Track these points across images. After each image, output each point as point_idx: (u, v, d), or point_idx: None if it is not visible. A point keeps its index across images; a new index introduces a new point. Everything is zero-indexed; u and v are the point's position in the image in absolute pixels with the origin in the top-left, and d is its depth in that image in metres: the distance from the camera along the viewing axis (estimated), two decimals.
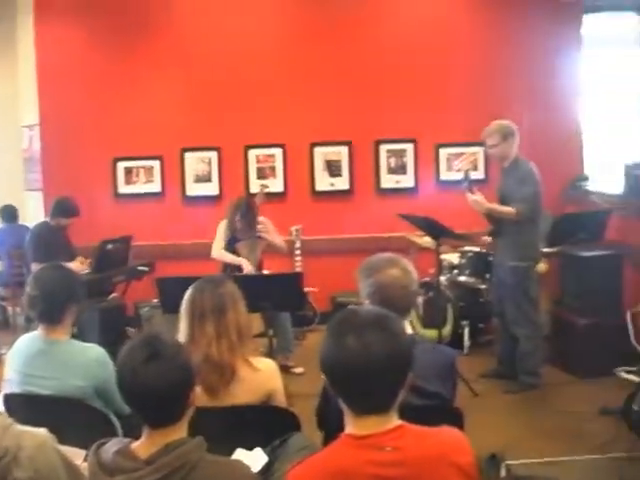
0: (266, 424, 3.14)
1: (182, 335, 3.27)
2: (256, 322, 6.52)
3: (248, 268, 6.85)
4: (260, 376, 3.27)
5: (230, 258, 6.99)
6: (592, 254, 6.83)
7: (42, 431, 2.42)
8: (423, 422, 2.28)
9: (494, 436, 5.00)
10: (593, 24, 9.02)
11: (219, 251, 7.04)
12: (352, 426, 2.16)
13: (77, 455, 2.61)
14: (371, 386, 2.11)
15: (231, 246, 7.05)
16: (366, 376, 2.09)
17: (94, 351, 3.54)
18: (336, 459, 2.14)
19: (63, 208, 7.33)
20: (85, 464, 2.40)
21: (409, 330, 3.11)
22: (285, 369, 6.61)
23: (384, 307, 2.73)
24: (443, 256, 7.71)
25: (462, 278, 7.59)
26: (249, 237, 7.00)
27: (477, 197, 6.28)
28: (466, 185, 6.31)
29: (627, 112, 9.40)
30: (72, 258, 7.21)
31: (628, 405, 5.42)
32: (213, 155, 8.52)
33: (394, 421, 2.17)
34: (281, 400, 3.37)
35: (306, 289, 7.43)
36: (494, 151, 6.41)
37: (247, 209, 7.01)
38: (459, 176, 8.25)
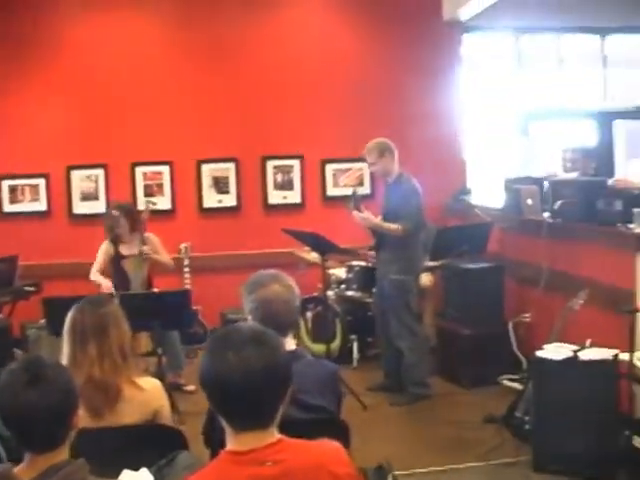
0: (153, 443, 3.11)
1: (64, 357, 3.23)
2: (144, 341, 6.48)
3: (107, 288, 6.78)
4: (145, 395, 3.25)
5: (95, 279, 6.94)
6: (474, 266, 6.99)
7: None
8: (307, 436, 2.30)
9: (383, 448, 5.06)
10: (472, 43, 9.28)
11: (94, 273, 6.99)
12: (232, 442, 2.16)
13: None
14: (250, 402, 2.11)
15: (117, 263, 6.98)
16: (245, 392, 2.09)
17: None
18: (217, 476, 2.14)
19: None
20: None
21: (293, 345, 3.14)
22: (176, 387, 6.56)
23: (267, 323, 2.76)
24: (331, 271, 7.80)
25: (349, 292, 7.66)
26: (134, 253, 6.94)
27: (364, 214, 6.36)
28: (352, 203, 6.38)
29: (506, 128, 9.70)
30: None
31: (511, 412, 5.59)
32: (100, 173, 8.39)
33: (274, 435, 2.18)
34: (167, 419, 3.35)
35: (195, 306, 7.40)
36: (374, 168, 6.56)
37: (130, 213, 6.99)
38: (345, 192, 8.38)
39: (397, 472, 3.48)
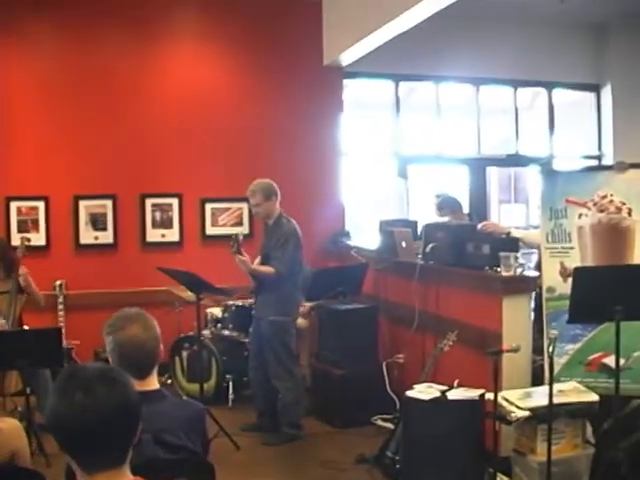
0: None
1: None
2: (14, 380, 6.32)
3: None
4: (4, 435, 3.18)
5: None
6: (349, 307, 7.07)
7: None
8: (172, 477, 2.29)
9: None
10: (353, 89, 9.47)
11: None
12: None
13: None
14: (102, 441, 2.08)
15: None
16: (96, 431, 2.06)
17: None
18: None
19: None
20: None
21: (156, 385, 3.11)
22: (45, 428, 6.38)
23: (124, 366, 2.74)
24: (208, 310, 7.77)
25: (226, 332, 7.63)
26: (7, 290, 6.77)
27: (243, 258, 6.38)
28: (235, 248, 6.38)
29: (385, 172, 9.91)
30: None
31: (382, 452, 5.66)
32: None
33: (127, 476, 2.15)
34: (25, 459, 3.28)
35: (68, 344, 7.26)
36: (258, 210, 6.55)
37: (3, 251, 6.82)
38: (224, 231, 8.42)
39: None
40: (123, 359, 2.94)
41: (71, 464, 2.15)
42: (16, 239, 7.73)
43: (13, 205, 8.29)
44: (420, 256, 6.54)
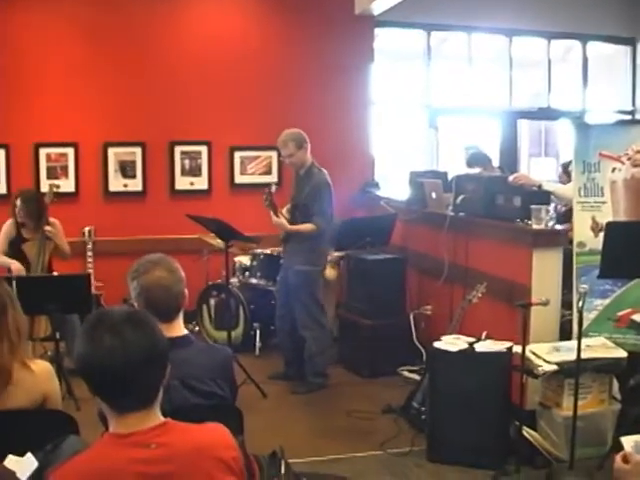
0: (41, 428, 3.06)
1: None
2: (43, 325, 6.39)
3: (18, 270, 6.67)
4: (35, 378, 3.19)
5: (2, 261, 6.81)
6: (377, 258, 7.06)
7: None
8: (200, 422, 2.30)
9: (281, 435, 5.06)
10: (384, 38, 9.35)
11: None
12: (115, 425, 2.15)
13: None
14: (131, 383, 2.10)
15: (17, 245, 6.84)
16: (125, 373, 2.08)
17: None
18: (99, 459, 2.12)
19: None
20: None
21: (184, 330, 3.12)
22: (74, 373, 6.46)
23: (150, 309, 2.75)
24: (236, 258, 7.78)
25: (253, 280, 7.65)
26: (36, 237, 6.82)
27: (279, 220, 6.36)
28: (268, 202, 6.35)
29: (414, 123, 9.83)
30: None
31: (408, 403, 5.68)
32: (0, 153, 8.19)
33: (158, 418, 2.19)
34: (57, 403, 3.29)
35: (96, 291, 7.31)
36: (292, 160, 6.49)
37: (32, 202, 6.85)
38: (253, 179, 8.41)
39: (292, 460, 3.51)
40: (149, 302, 2.95)
41: (101, 406, 2.18)
42: (45, 185, 7.75)
43: (42, 152, 8.29)
44: (450, 207, 6.50)
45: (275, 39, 8.70)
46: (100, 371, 2.11)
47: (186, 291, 3.12)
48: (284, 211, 6.51)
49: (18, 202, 6.85)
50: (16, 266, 6.70)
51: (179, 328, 3.09)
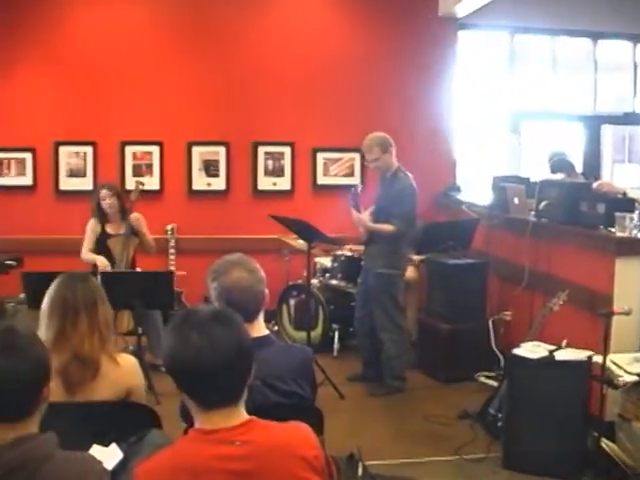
0: (125, 420, 3.13)
1: (49, 332, 3.20)
2: (126, 320, 6.52)
3: (104, 266, 6.80)
4: (121, 371, 3.27)
5: (90, 257, 6.96)
6: (458, 262, 7.01)
7: None
8: (281, 421, 2.33)
9: (358, 437, 5.09)
10: (468, 41, 9.30)
11: (85, 254, 7.01)
12: (200, 421, 2.20)
13: None
14: (217, 380, 2.15)
15: (102, 242, 6.98)
16: (211, 370, 2.13)
17: None
18: (184, 454, 2.17)
19: None
20: None
21: (265, 331, 3.15)
22: (155, 368, 6.57)
23: (231, 308, 2.78)
24: (316, 259, 7.82)
25: (334, 282, 7.67)
26: (121, 233, 6.96)
27: (360, 216, 6.39)
28: (352, 202, 6.38)
29: (497, 126, 9.74)
30: None
31: (485, 409, 5.64)
32: (88, 150, 8.39)
33: (243, 416, 2.23)
34: (141, 397, 3.37)
35: (178, 288, 7.42)
36: (377, 164, 6.48)
37: (119, 196, 7.01)
38: (335, 181, 8.44)
39: (368, 462, 3.53)
40: (229, 303, 2.95)
41: (187, 402, 2.22)
42: (131, 183, 7.90)
43: (128, 150, 8.48)
44: (533, 213, 6.43)
45: (359, 40, 8.71)
46: (187, 368, 2.16)
47: (266, 291, 3.14)
48: (367, 213, 6.50)
49: (103, 191, 7.00)
50: (102, 262, 6.84)
51: (260, 328, 3.11)
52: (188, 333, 2.16)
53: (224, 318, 2.23)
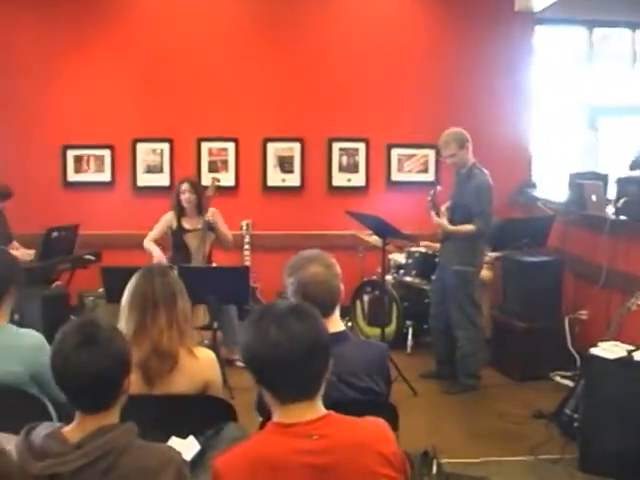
0: (202, 413, 3.17)
1: (129, 325, 3.25)
2: (201, 314, 6.58)
3: (158, 259, 6.92)
4: (199, 364, 3.31)
5: (149, 247, 7.08)
6: (534, 260, 6.94)
7: None
8: (356, 416, 2.34)
9: (430, 435, 5.10)
10: (545, 36, 9.16)
11: (148, 242, 7.12)
12: (278, 414, 2.22)
13: (9, 440, 2.60)
14: (294, 374, 2.17)
15: (179, 236, 7.08)
16: (289, 364, 2.16)
17: (31, 336, 3.45)
18: (263, 447, 2.19)
19: None
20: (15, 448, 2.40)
21: (341, 326, 3.16)
22: (229, 362, 6.64)
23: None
24: (390, 255, 7.80)
25: (408, 278, 7.64)
26: (198, 228, 7.04)
27: (440, 221, 6.37)
28: (431, 204, 6.35)
29: (574, 122, 9.59)
30: (8, 242, 7.17)
31: (560, 409, 5.56)
32: (165, 146, 8.50)
33: (320, 410, 2.24)
34: (218, 390, 3.40)
35: (253, 284, 7.48)
36: (453, 160, 6.45)
37: (196, 190, 7.10)
38: (410, 177, 8.41)
39: (442, 460, 3.51)
40: (307, 298, 2.98)
41: (265, 396, 2.25)
42: (207, 179, 7.97)
43: (204, 146, 8.57)
44: (611, 211, 6.33)
45: (434, 36, 8.66)
46: (265, 362, 2.18)
47: (342, 286, 3.16)
48: (443, 209, 6.47)
49: (184, 185, 7.11)
50: (157, 255, 6.99)
51: (336, 323, 3.12)
52: (266, 327, 2.18)
53: (302, 313, 2.25)
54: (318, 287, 3.06)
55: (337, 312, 3.16)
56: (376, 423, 2.33)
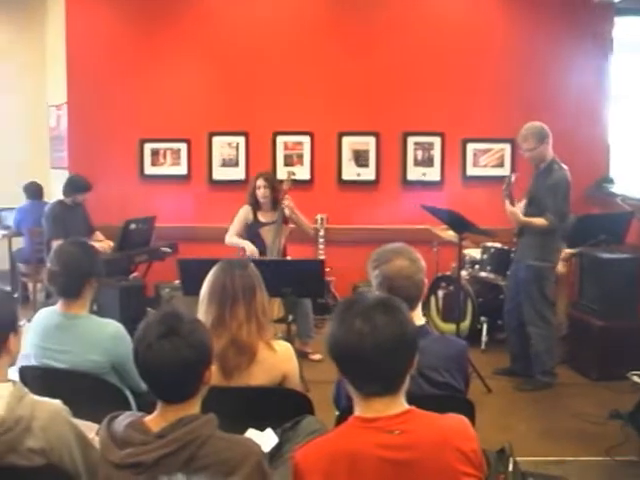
0: (279, 406, 3.20)
1: (208, 318, 3.28)
2: (276, 307, 6.62)
3: (251, 251, 6.95)
4: (277, 357, 3.33)
5: (236, 241, 7.12)
6: (612, 256, 6.81)
7: (56, 402, 2.47)
8: (435, 412, 2.34)
9: (505, 432, 5.06)
10: (624, 27, 8.98)
11: (230, 237, 7.17)
12: (360, 408, 2.23)
13: (90, 428, 2.64)
14: (378, 367, 2.17)
15: (254, 230, 7.13)
16: (374, 358, 2.16)
17: (111, 326, 3.55)
18: (344, 441, 2.20)
19: (74, 185, 7.49)
20: (97, 437, 2.45)
21: (422, 320, 3.16)
22: (303, 355, 6.67)
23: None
24: (465, 251, 7.74)
25: (483, 274, 7.59)
26: (273, 221, 7.09)
27: (513, 209, 6.28)
28: (506, 192, 6.29)
29: None
30: (91, 234, 7.32)
31: (638, 410, 5.46)
32: (241, 140, 8.59)
33: (403, 405, 2.24)
34: (295, 383, 3.42)
35: (327, 277, 7.48)
36: (531, 154, 6.36)
37: (272, 184, 7.16)
38: (485, 172, 8.33)
39: (517, 457, 3.49)
40: (391, 291, 2.99)
41: (348, 389, 2.26)
42: (282, 173, 8.03)
43: (280, 140, 8.62)
44: None
45: (512, 29, 8.56)
46: (349, 354, 2.19)
47: (426, 280, 3.17)
48: (520, 205, 6.40)
49: (259, 180, 7.16)
50: (250, 247, 7.00)
51: (417, 317, 3.13)
52: (352, 319, 2.19)
53: (388, 305, 2.25)
54: (403, 281, 3.08)
55: (419, 306, 3.17)
56: (458, 420, 2.33)
